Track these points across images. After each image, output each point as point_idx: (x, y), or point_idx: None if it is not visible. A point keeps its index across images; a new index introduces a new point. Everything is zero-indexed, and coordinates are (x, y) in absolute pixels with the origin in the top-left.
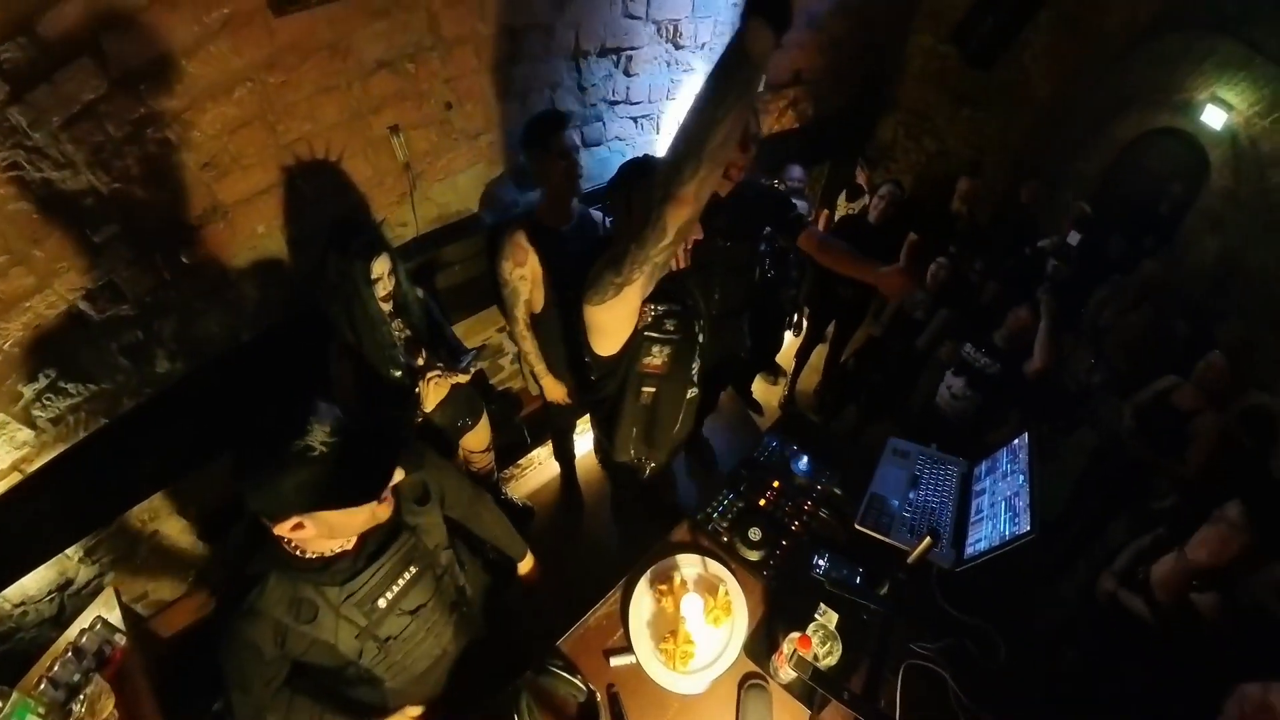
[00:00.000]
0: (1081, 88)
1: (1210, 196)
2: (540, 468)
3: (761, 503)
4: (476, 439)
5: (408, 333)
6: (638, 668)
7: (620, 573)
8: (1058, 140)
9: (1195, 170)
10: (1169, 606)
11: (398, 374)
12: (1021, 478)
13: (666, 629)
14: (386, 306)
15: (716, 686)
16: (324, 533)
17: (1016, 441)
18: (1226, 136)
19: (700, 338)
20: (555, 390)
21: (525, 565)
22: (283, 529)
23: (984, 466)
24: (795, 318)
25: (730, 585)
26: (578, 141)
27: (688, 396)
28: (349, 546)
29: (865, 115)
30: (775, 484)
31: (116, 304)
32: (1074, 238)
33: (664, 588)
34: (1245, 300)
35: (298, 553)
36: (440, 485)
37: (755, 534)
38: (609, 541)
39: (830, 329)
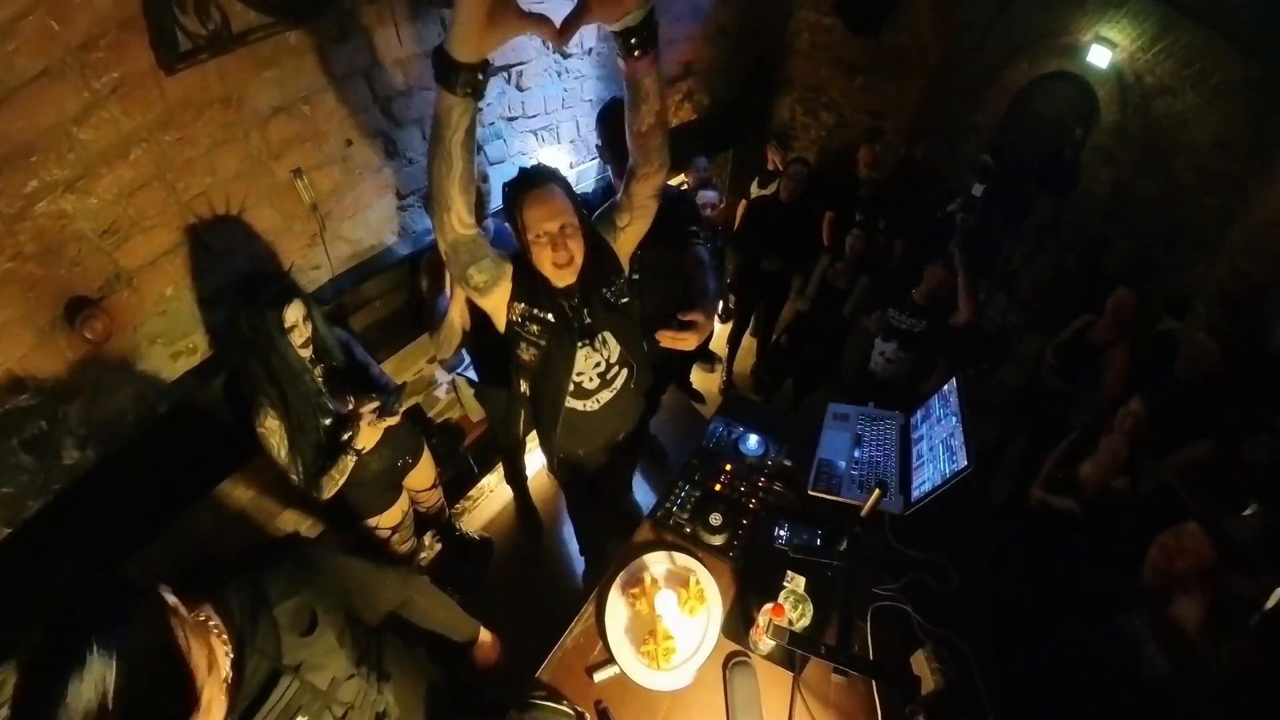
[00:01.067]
0: (969, 42)
1: (1102, 133)
2: (492, 495)
3: (717, 488)
4: (420, 477)
5: (332, 378)
6: (623, 677)
7: (590, 586)
8: (952, 96)
9: (1087, 110)
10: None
11: (327, 421)
12: (954, 419)
13: (645, 631)
14: (306, 353)
15: (702, 674)
16: None
17: (946, 387)
18: (1112, 74)
19: (586, 356)
20: None
21: (481, 641)
22: None
23: (919, 415)
24: (722, 304)
25: (699, 573)
26: (486, 169)
27: (572, 405)
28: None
29: (761, 97)
30: (728, 467)
31: (15, 395)
32: (978, 189)
33: (636, 591)
34: (1138, 224)
35: None
36: (343, 599)
37: (716, 519)
38: (574, 558)
39: (758, 310)
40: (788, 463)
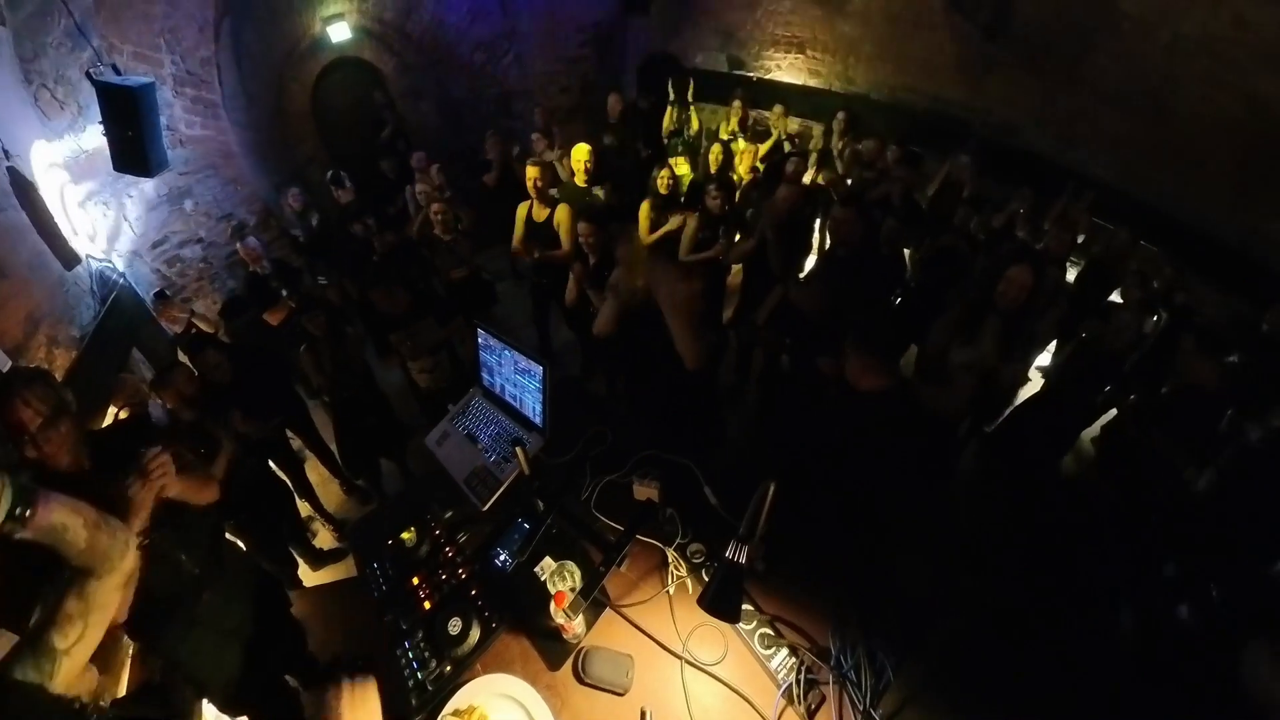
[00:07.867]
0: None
1: (397, 81)
2: None
3: (427, 606)
4: None
5: None
6: None
7: None
8: (270, 155)
9: (371, 76)
10: None
11: None
12: (506, 352)
13: None
14: None
15: (575, 704)
16: None
17: (479, 340)
18: (361, 35)
19: None
20: None
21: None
22: None
23: (484, 378)
24: None
25: (462, 694)
26: None
27: None
28: None
29: None
30: (415, 580)
31: None
32: (344, 195)
33: None
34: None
35: None
36: None
37: (455, 624)
38: None
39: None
40: (447, 515)
